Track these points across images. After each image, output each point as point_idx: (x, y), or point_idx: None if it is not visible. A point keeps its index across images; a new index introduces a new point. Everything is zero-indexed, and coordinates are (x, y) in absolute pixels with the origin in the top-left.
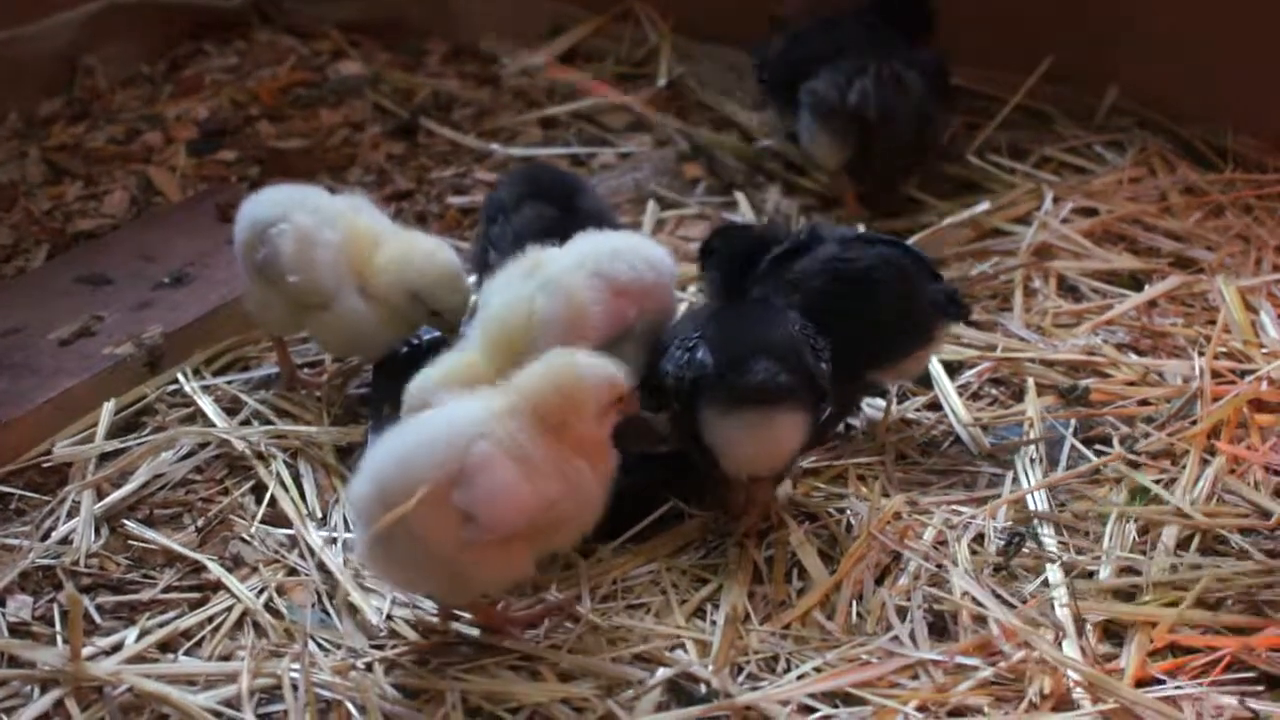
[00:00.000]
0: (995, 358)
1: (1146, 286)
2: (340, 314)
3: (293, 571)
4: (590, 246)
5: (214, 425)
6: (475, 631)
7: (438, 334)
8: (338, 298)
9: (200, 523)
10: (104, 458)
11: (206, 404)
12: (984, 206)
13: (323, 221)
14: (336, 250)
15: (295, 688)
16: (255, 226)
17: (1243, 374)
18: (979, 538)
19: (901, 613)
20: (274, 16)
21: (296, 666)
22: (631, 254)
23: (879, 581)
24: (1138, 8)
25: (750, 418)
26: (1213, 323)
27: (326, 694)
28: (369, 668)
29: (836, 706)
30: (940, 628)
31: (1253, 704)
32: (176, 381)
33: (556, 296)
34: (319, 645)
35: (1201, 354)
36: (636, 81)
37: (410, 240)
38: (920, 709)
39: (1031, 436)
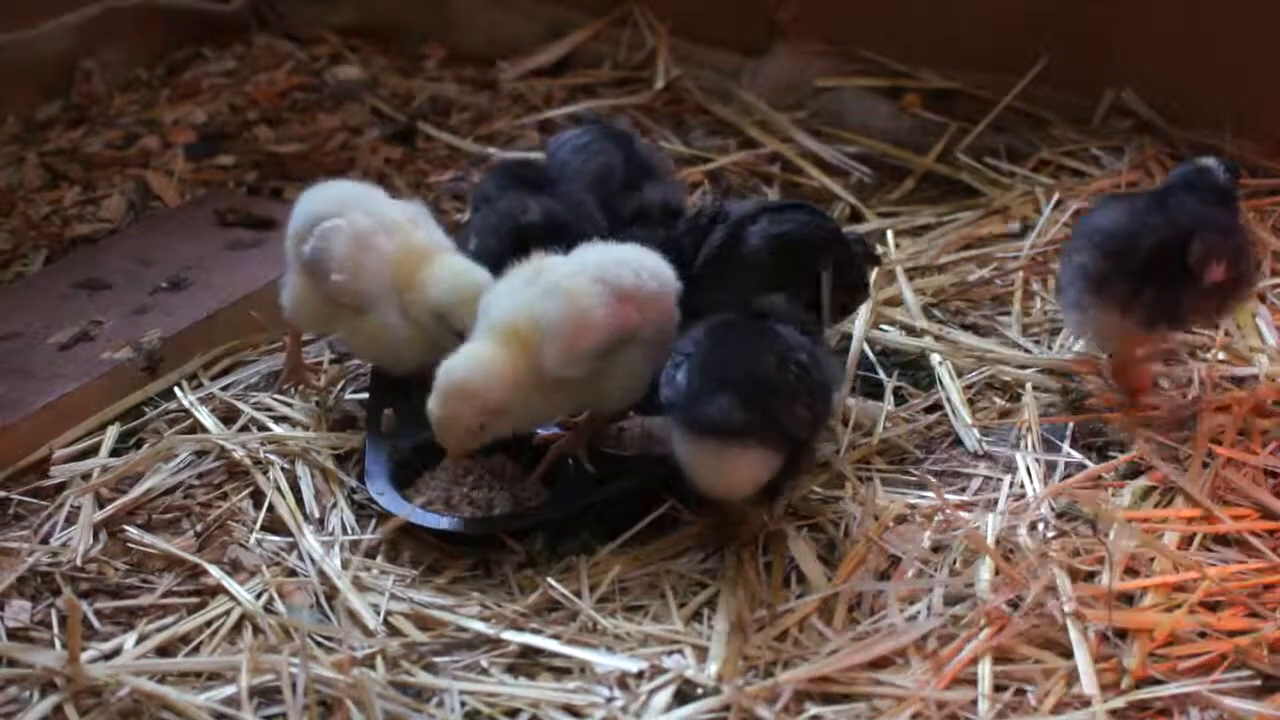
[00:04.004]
0: (994, 360)
1: None
2: (375, 323)
3: (292, 574)
4: (593, 254)
5: (212, 433)
6: (478, 627)
7: None
8: (376, 307)
9: (199, 528)
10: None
11: (204, 415)
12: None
13: (380, 228)
14: (387, 261)
15: (294, 685)
16: (310, 220)
17: (1242, 378)
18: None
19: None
20: (272, 21)
21: (295, 660)
22: (634, 262)
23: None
24: (1136, 11)
25: (707, 448)
26: (1212, 327)
27: (326, 690)
28: (370, 664)
29: (835, 706)
30: (940, 630)
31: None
32: (175, 391)
33: (560, 301)
34: (317, 643)
35: (1202, 359)
36: (634, 85)
37: (445, 261)
38: (917, 714)
39: (1030, 440)
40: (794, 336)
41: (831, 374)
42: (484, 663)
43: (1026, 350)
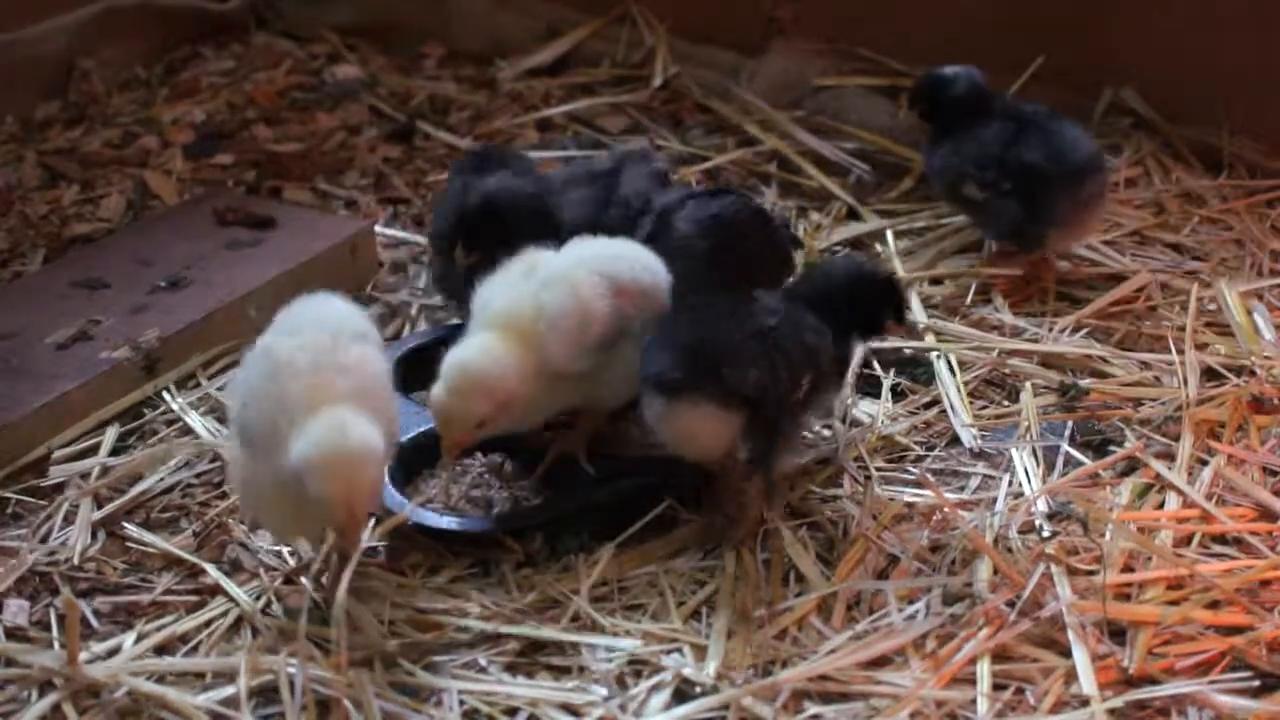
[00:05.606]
0: (993, 356)
1: (1144, 288)
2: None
3: (290, 574)
4: (588, 249)
5: (209, 438)
6: (479, 625)
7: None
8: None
9: (197, 527)
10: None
11: (194, 419)
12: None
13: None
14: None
15: (292, 684)
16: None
17: (1239, 373)
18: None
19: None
20: (270, 20)
21: (294, 661)
22: (629, 257)
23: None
24: (1135, 8)
25: (657, 405)
26: (1210, 325)
27: (324, 691)
28: (368, 665)
29: (833, 705)
30: (939, 630)
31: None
32: (170, 392)
33: (563, 292)
34: (315, 643)
35: (1201, 356)
36: (633, 84)
37: (324, 415)
38: (915, 713)
39: (1028, 437)
40: (773, 306)
41: (820, 346)
42: (482, 661)
43: (1026, 344)
